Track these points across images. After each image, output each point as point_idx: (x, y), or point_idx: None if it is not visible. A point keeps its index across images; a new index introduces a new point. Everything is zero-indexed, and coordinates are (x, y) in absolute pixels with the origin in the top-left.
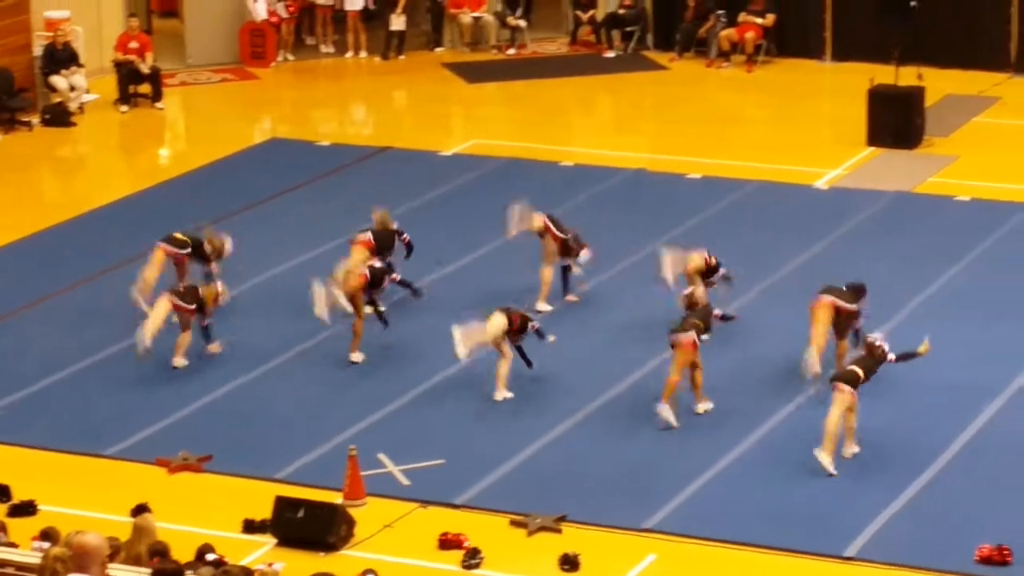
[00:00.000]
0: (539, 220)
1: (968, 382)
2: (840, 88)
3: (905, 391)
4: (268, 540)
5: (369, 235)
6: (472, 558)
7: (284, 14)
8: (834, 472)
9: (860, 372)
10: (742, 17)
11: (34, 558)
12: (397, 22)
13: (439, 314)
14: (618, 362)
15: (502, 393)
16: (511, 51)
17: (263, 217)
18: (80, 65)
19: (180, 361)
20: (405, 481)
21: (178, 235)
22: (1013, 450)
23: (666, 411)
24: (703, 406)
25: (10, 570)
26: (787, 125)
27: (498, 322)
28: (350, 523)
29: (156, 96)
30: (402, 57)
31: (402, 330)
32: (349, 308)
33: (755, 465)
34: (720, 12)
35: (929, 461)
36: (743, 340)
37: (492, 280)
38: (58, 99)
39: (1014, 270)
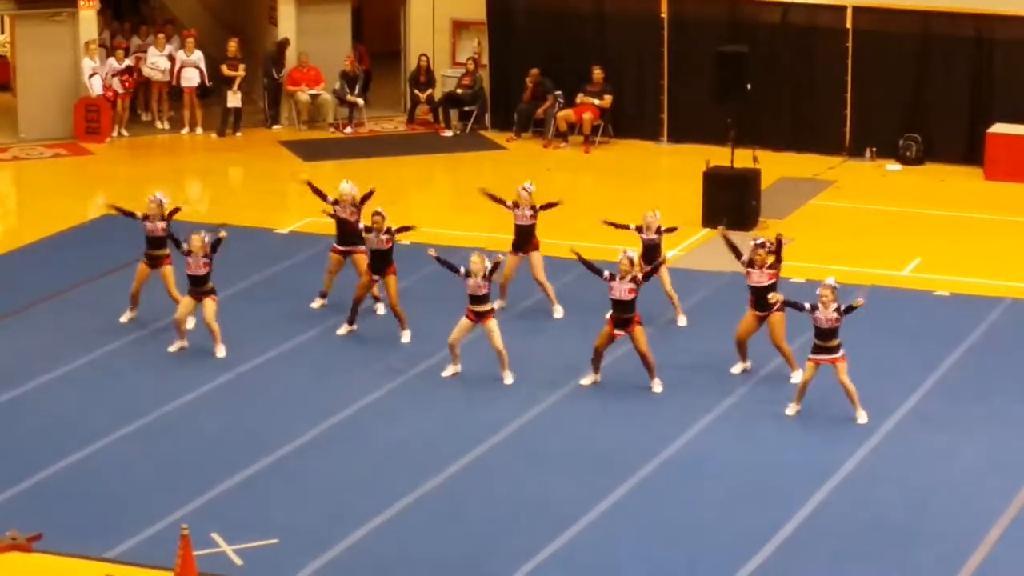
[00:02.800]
0: None
1: (800, 463)
2: (676, 170)
3: (739, 471)
4: None
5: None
6: None
7: (119, 89)
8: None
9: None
10: (579, 98)
11: None
12: (233, 99)
13: (275, 396)
14: (453, 440)
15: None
16: (348, 129)
17: (96, 294)
18: None
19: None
20: (238, 561)
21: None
22: (842, 534)
23: None
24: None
25: None
26: (623, 206)
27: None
28: None
29: None
30: (238, 134)
31: (239, 409)
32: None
33: (589, 547)
34: (557, 93)
35: (761, 544)
36: (569, 430)
37: (325, 359)
38: None
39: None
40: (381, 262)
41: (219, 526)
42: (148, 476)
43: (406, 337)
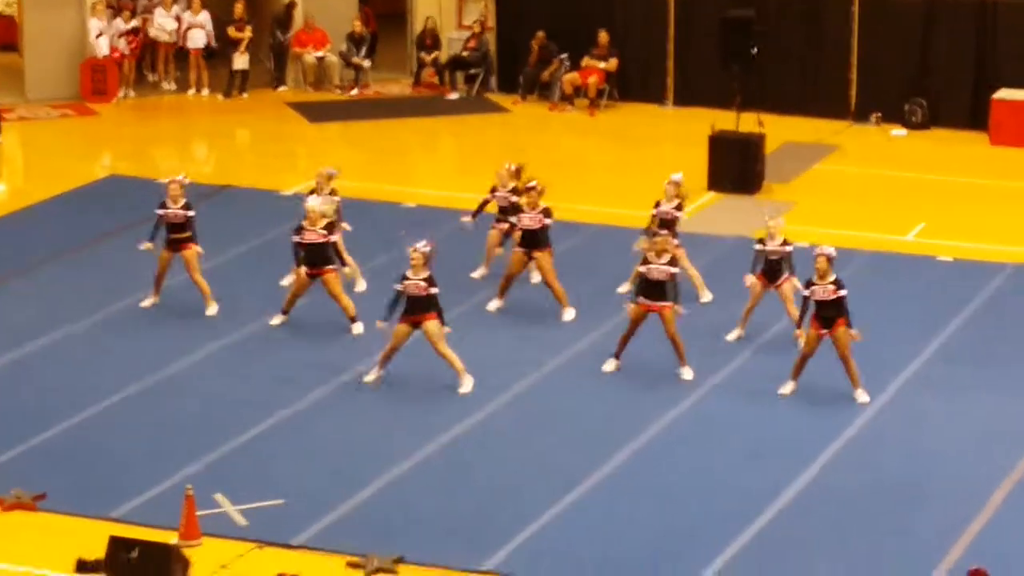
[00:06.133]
0: None
1: (803, 427)
2: (681, 133)
3: (742, 435)
4: None
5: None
6: None
7: (126, 50)
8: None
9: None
10: (585, 61)
11: None
12: (240, 60)
13: (281, 357)
14: (458, 402)
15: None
16: (354, 91)
17: (101, 255)
18: None
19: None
20: (242, 521)
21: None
22: (845, 499)
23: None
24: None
25: None
26: (629, 169)
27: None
28: (185, 564)
29: None
30: (245, 95)
31: (244, 370)
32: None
33: (593, 509)
34: (563, 56)
35: (764, 507)
36: (572, 394)
37: (329, 321)
38: None
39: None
40: (533, 241)
41: (224, 487)
42: (153, 436)
43: (568, 315)
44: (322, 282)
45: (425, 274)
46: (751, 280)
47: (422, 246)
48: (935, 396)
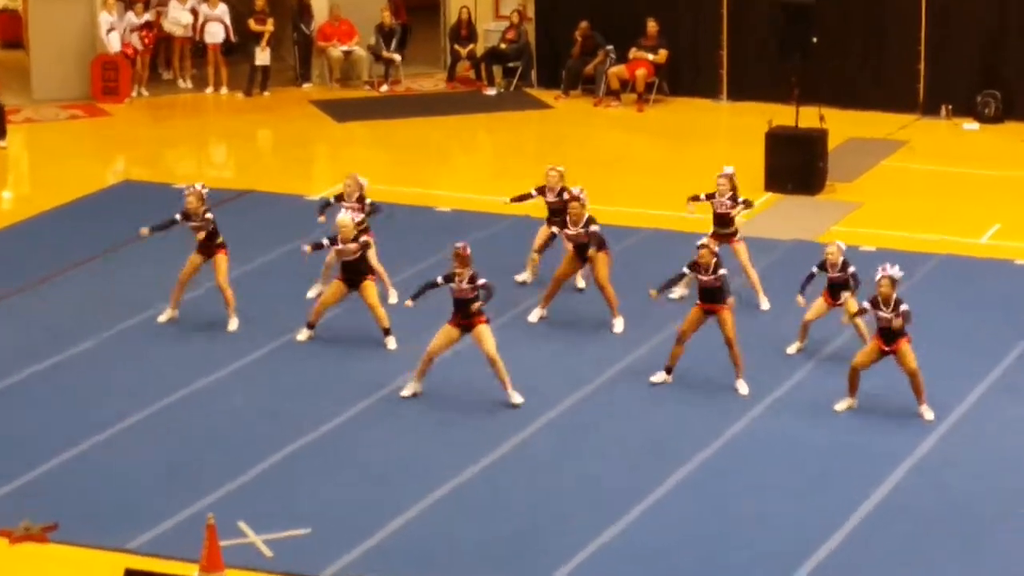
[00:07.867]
0: None
1: (866, 446)
2: (736, 129)
3: (802, 454)
4: None
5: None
6: None
7: (139, 46)
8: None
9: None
10: (633, 53)
11: None
12: (261, 56)
13: (307, 374)
14: (499, 419)
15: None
16: (384, 88)
17: (113, 265)
18: None
19: None
20: (268, 552)
21: None
22: (917, 520)
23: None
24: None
25: None
26: (680, 168)
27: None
28: None
29: None
30: (267, 93)
31: (267, 389)
32: None
33: (646, 536)
34: (609, 48)
35: (829, 532)
36: (642, 402)
37: (358, 333)
38: None
39: (918, 325)
40: (585, 249)
41: (247, 514)
42: (171, 461)
43: (618, 325)
44: (359, 291)
45: (469, 272)
46: (802, 300)
47: (462, 247)
48: (1015, 406)
